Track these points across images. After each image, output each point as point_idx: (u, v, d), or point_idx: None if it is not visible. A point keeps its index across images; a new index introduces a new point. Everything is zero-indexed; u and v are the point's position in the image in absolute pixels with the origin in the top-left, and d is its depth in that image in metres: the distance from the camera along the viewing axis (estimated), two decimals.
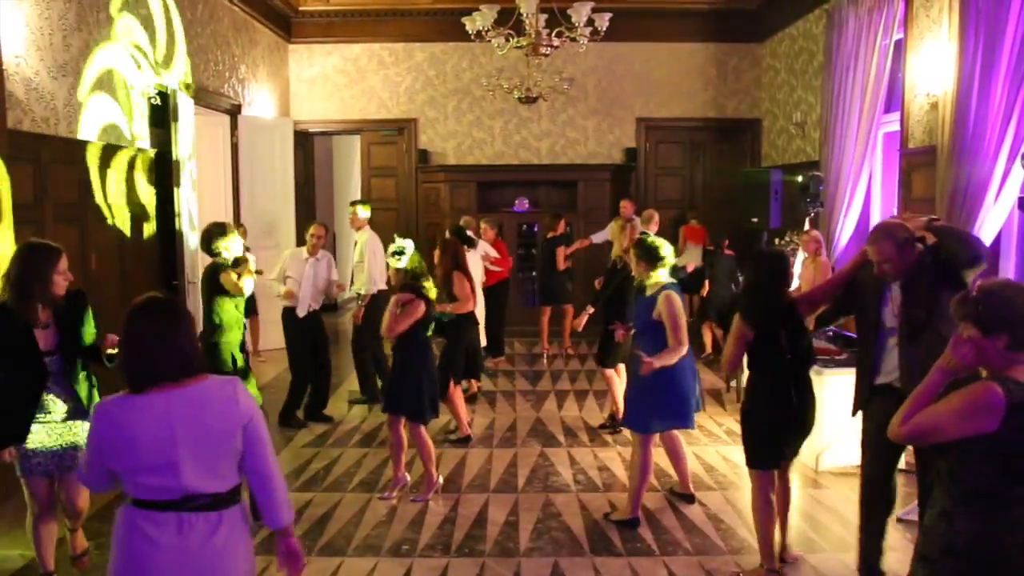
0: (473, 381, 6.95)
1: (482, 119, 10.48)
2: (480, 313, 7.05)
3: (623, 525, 4.45)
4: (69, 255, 3.55)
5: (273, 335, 7.77)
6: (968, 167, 5.15)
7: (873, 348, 3.51)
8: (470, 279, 5.81)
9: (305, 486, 5.07)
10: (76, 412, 3.50)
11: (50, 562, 3.62)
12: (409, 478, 5.04)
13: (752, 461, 3.81)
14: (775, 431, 3.74)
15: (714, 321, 7.91)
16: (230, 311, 4.76)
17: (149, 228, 6.41)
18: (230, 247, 4.84)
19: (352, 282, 6.92)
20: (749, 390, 3.87)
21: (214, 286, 4.78)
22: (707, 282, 8.02)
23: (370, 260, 6.64)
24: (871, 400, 3.54)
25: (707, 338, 8.27)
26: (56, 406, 3.47)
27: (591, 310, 6.20)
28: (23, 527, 3.71)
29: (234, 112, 8.45)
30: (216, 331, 4.71)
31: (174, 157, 6.58)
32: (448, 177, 10.28)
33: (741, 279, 7.05)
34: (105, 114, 5.73)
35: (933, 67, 5.80)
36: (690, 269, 8.08)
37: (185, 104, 6.79)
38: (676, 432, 4.72)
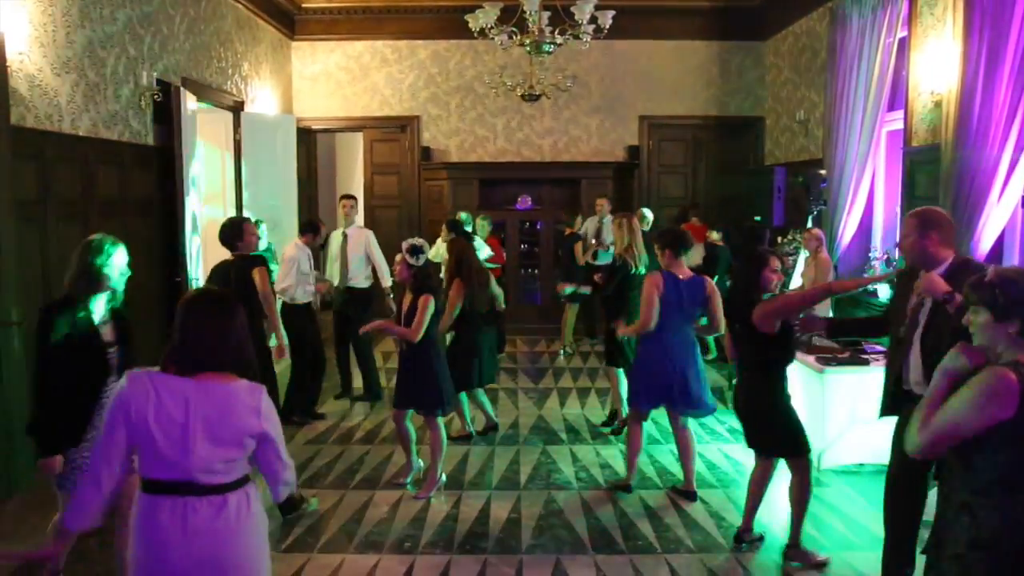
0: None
1: (485, 116, 10.46)
2: None
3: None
4: (71, 252, 3.54)
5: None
6: (972, 165, 5.13)
7: (900, 354, 3.46)
8: (473, 281, 5.53)
9: (307, 483, 5.08)
10: None
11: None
12: (422, 463, 5.11)
13: (802, 447, 3.95)
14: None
15: None
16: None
17: (151, 225, 6.41)
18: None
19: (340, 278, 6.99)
20: (749, 390, 3.89)
21: (247, 281, 4.76)
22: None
23: (376, 254, 7.03)
24: (903, 405, 3.48)
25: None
26: None
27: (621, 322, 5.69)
28: (23, 527, 3.69)
29: (237, 109, 8.44)
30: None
31: (176, 154, 6.58)
32: (451, 174, 10.24)
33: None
34: (108, 111, 5.74)
35: (937, 65, 5.78)
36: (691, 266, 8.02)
37: (188, 101, 6.80)
38: (690, 429, 4.88)
